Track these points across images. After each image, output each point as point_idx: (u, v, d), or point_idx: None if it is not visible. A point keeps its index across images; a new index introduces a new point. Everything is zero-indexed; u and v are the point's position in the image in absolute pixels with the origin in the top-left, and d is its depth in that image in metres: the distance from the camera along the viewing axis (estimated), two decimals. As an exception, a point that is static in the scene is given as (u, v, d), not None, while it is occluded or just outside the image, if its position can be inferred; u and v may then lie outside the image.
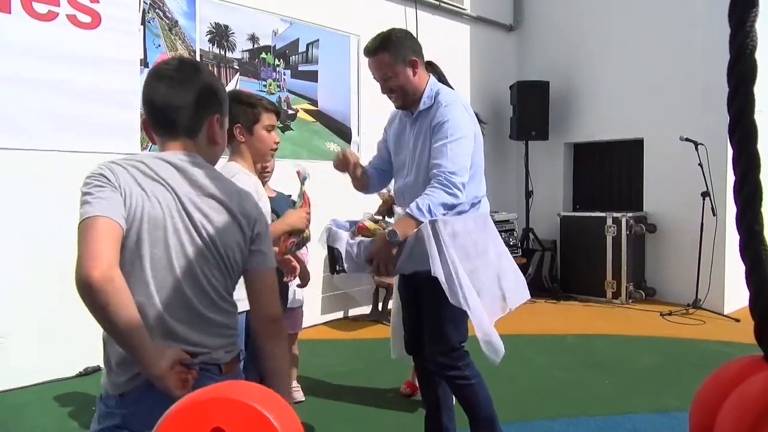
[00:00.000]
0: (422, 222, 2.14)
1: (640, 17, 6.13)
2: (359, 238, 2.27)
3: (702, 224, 5.44)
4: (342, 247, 2.24)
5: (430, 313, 2.34)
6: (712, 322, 5.15)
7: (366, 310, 5.47)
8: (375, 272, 2.22)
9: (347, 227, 2.37)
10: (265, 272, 1.44)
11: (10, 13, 3.52)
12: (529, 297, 2.52)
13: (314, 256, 3.93)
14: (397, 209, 2.38)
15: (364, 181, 2.52)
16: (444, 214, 2.18)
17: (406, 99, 2.37)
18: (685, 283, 5.72)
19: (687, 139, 5.39)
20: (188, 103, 1.41)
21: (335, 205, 4.56)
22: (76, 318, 3.74)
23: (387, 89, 2.37)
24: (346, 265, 2.25)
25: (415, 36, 2.51)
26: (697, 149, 5.35)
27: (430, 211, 2.14)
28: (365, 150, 5.22)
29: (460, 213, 2.25)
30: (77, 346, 3.81)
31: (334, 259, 2.31)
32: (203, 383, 1.11)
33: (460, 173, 2.18)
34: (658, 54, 6.01)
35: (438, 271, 2.11)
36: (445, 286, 2.12)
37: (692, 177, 5.48)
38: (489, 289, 2.28)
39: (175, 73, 1.42)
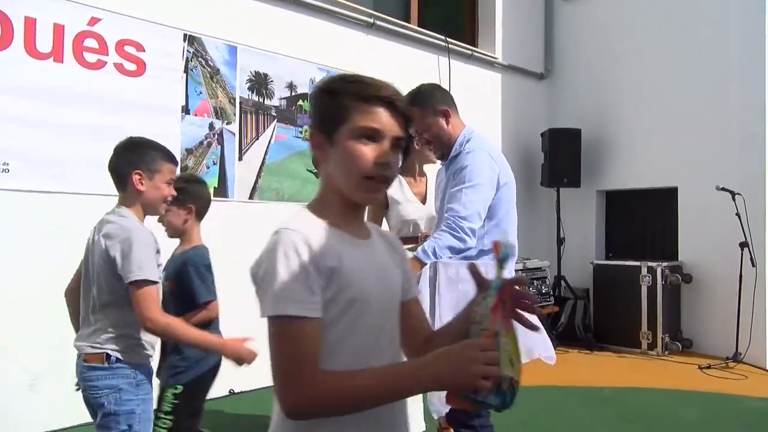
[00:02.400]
0: (426, 264, 2.13)
1: (673, 66, 6.15)
2: None
3: (741, 275, 5.31)
4: None
5: None
6: (755, 377, 4.98)
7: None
8: None
9: None
10: (129, 287, 1.89)
11: (62, 62, 3.66)
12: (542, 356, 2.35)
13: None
14: (409, 254, 2.41)
15: None
16: (450, 258, 2.15)
17: (443, 149, 2.41)
18: (723, 335, 5.56)
19: (724, 189, 5.32)
20: (114, 167, 2.07)
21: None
22: None
23: (424, 142, 2.41)
24: None
25: (446, 86, 2.60)
26: (734, 199, 5.27)
27: (435, 253, 2.12)
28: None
29: (466, 258, 2.19)
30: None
31: None
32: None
33: (470, 219, 2.16)
34: (691, 102, 5.99)
35: None
36: None
37: (729, 227, 5.38)
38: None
39: (117, 148, 2.09)
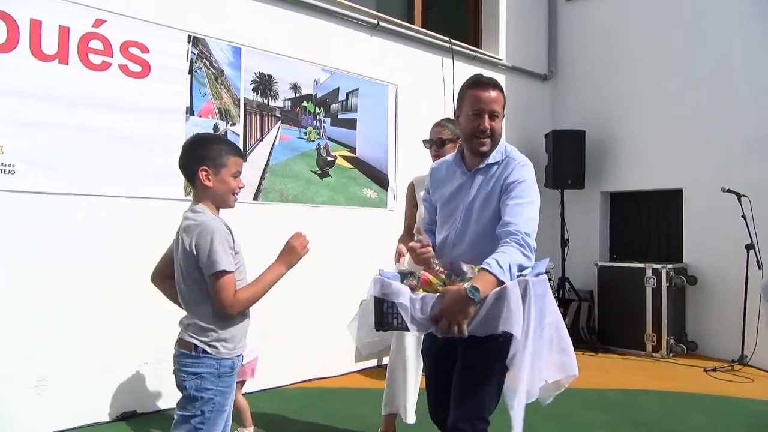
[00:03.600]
0: (503, 281, 1.97)
1: (678, 66, 6.13)
2: (422, 294, 2.06)
3: (747, 277, 5.29)
4: (406, 303, 2.03)
5: (470, 375, 2.15)
6: (761, 381, 4.95)
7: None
8: (444, 332, 1.97)
9: (397, 278, 2.20)
10: (209, 278, 2.02)
11: (68, 64, 3.66)
12: (574, 375, 2.22)
13: (348, 303, 3.90)
14: (464, 266, 2.15)
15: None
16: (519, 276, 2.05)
17: (493, 146, 2.31)
18: (728, 338, 5.54)
19: (729, 191, 5.30)
20: (183, 165, 2.15)
21: (369, 252, 4.55)
22: (113, 363, 3.78)
23: (486, 127, 2.27)
24: (410, 325, 2.03)
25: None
26: (740, 201, 5.25)
27: (510, 270, 2.00)
28: (400, 195, 5.24)
29: (538, 275, 2.11)
30: (114, 391, 3.83)
31: (381, 313, 2.10)
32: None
33: (533, 237, 2.10)
34: (696, 103, 5.98)
35: (518, 331, 1.94)
36: (519, 349, 1.96)
37: (735, 229, 5.36)
38: (543, 357, 2.11)
39: (184, 145, 2.19)
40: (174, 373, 2.12)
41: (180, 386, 2.10)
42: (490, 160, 2.30)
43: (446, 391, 2.26)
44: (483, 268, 2.00)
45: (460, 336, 1.96)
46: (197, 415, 2.04)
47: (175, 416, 2.10)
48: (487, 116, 2.26)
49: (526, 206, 2.15)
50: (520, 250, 2.04)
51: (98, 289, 3.76)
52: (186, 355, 2.07)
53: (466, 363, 2.17)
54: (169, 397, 3.85)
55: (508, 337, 2.00)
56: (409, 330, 2.07)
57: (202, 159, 2.10)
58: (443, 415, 2.28)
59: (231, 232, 2.10)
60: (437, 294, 2.03)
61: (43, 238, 3.61)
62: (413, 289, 2.11)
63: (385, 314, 2.09)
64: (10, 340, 3.46)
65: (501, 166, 2.29)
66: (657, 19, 6.34)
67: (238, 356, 2.14)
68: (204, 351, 2.05)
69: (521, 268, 2.06)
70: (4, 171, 3.44)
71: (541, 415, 3.99)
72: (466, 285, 1.95)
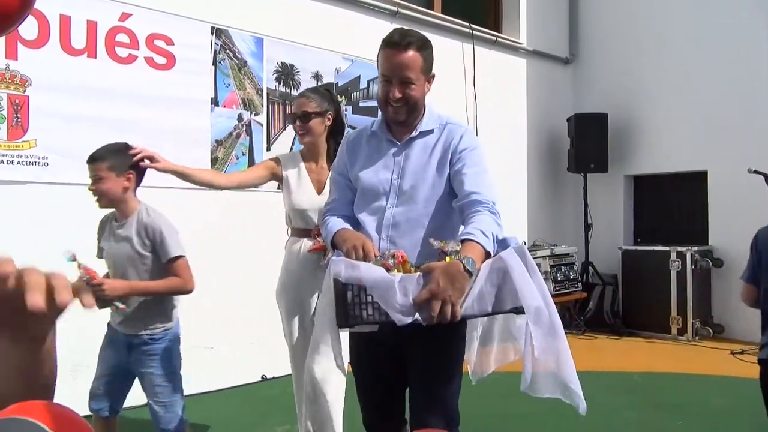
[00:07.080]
0: (490, 252, 1.76)
1: (701, 47, 6.04)
2: (399, 275, 1.69)
3: (774, 259, 5.23)
4: (386, 287, 1.68)
5: (431, 369, 1.92)
6: (788, 363, 4.92)
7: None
8: (431, 319, 1.63)
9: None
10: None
11: (96, 58, 3.74)
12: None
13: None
14: (433, 242, 1.83)
15: None
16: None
17: (410, 115, 2.00)
18: (755, 320, 5.40)
19: (756, 171, 5.22)
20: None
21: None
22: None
23: (399, 94, 1.93)
24: (394, 315, 1.64)
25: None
26: (767, 182, 5.18)
27: (494, 239, 1.80)
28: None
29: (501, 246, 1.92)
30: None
31: (345, 304, 1.68)
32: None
33: (497, 205, 1.93)
34: (720, 84, 5.89)
35: (538, 300, 1.72)
36: (539, 322, 1.75)
37: (761, 210, 5.29)
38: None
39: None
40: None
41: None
42: (423, 127, 2.03)
43: (390, 399, 2.12)
44: (467, 239, 1.76)
45: (452, 320, 1.65)
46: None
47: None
48: (397, 83, 1.93)
49: (484, 175, 1.97)
50: (494, 219, 1.86)
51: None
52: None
53: (431, 354, 1.91)
54: (202, 381, 3.96)
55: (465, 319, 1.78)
56: (384, 322, 1.69)
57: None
58: (386, 413, 2.15)
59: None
60: (418, 273, 1.69)
61: (75, 229, 3.71)
62: (389, 269, 1.72)
63: (350, 305, 1.68)
64: (48, 327, 3.58)
65: (443, 133, 2.02)
66: (679, 1, 6.24)
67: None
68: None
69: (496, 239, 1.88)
70: (38, 163, 3.55)
71: (566, 398, 4.04)
72: (459, 257, 1.67)
